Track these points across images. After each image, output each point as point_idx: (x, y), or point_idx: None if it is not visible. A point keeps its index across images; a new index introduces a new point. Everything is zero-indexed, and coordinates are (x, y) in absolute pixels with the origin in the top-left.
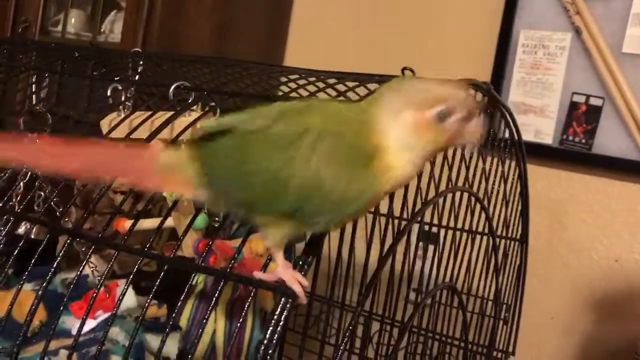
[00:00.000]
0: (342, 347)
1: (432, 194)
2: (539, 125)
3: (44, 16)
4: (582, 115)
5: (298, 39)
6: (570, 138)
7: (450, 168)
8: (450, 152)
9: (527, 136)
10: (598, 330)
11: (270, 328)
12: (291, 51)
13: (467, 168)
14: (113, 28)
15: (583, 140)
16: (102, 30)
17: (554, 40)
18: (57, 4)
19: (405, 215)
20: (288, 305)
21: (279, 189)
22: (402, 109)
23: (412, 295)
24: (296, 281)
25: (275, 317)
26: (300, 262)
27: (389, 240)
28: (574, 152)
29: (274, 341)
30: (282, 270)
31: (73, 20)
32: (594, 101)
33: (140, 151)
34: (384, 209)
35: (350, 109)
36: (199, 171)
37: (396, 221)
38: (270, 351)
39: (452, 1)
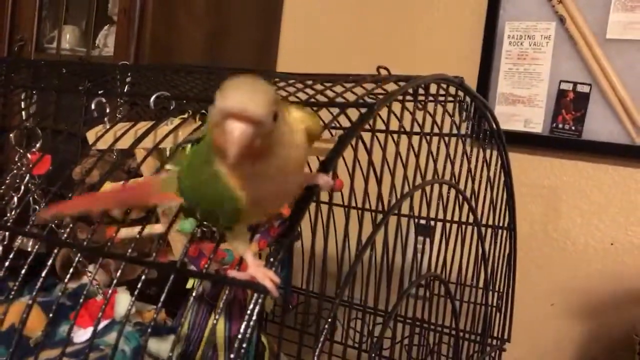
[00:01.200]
0: (323, 336)
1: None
2: (528, 115)
3: (39, 34)
4: (570, 103)
5: (290, 44)
6: (560, 126)
7: (435, 162)
8: (434, 147)
9: (517, 126)
10: (597, 313)
11: (244, 322)
12: (283, 56)
13: (452, 163)
14: (107, 42)
15: (573, 128)
16: (96, 44)
17: (539, 30)
18: (52, 21)
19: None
20: (260, 300)
21: (193, 194)
22: None
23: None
24: (267, 278)
25: (249, 311)
26: (271, 260)
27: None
28: (565, 140)
29: (247, 334)
30: (254, 269)
31: (68, 37)
32: (581, 88)
33: (147, 181)
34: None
35: None
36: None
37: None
38: (244, 344)
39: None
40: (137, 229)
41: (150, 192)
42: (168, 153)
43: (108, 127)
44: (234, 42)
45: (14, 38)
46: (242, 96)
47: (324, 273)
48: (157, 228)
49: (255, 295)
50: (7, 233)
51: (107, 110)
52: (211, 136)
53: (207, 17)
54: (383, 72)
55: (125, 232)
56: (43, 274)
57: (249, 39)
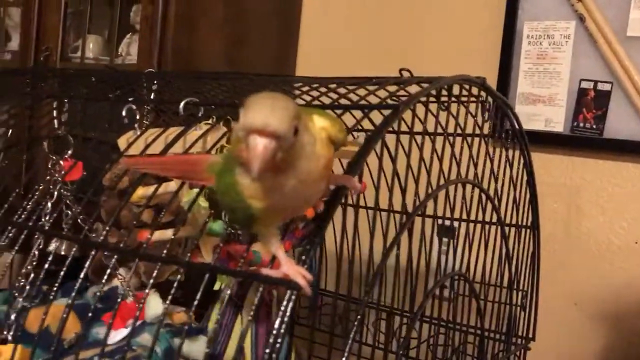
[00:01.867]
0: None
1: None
2: (549, 114)
3: (64, 43)
4: (591, 101)
5: (308, 49)
6: (581, 124)
7: (459, 163)
8: (457, 148)
9: (538, 125)
10: (621, 312)
11: (279, 318)
12: (302, 61)
13: (476, 164)
14: (129, 50)
15: (594, 126)
16: (119, 53)
17: (558, 30)
18: (76, 31)
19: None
20: (293, 296)
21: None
22: None
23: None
24: (300, 275)
25: (283, 307)
26: (303, 258)
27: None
28: (586, 138)
29: (282, 330)
30: (287, 266)
31: (91, 46)
32: (602, 86)
33: (200, 158)
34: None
35: None
36: None
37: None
38: (279, 340)
39: (454, 0)
40: (169, 231)
41: (201, 171)
42: None
43: (139, 133)
44: (253, 49)
45: (39, 48)
46: (264, 113)
47: (351, 274)
48: (187, 230)
49: (289, 292)
50: (42, 237)
51: (137, 117)
52: (235, 149)
53: (227, 24)
54: (405, 74)
55: (158, 235)
56: (81, 276)
57: (268, 45)
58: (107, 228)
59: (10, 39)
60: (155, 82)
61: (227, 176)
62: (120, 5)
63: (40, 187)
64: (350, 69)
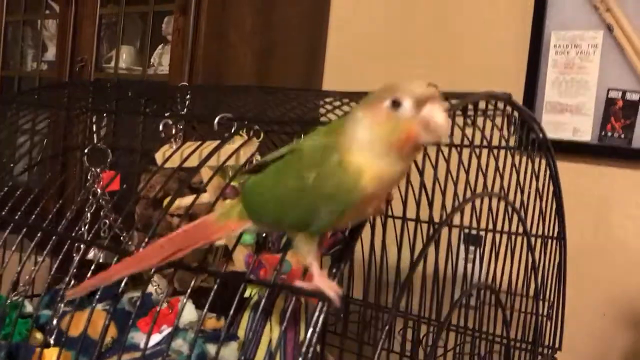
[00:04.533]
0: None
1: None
2: (577, 124)
3: (98, 54)
4: (619, 111)
5: (335, 60)
6: (609, 134)
7: (485, 174)
8: (484, 161)
9: (565, 135)
10: None
11: (311, 328)
12: (329, 71)
13: (502, 176)
14: (161, 61)
15: (622, 136)
16: (151, 63)
17: (585, 39)
18: (109, 42)
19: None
20: (324, 308)
21: (284, 201)
22: (357, 111)
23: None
24: (331, 289)
25: (315, 318)
26: (334, 271)
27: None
28: (614, 148)
29: (314, 339)
30: (319, 279)
31: (124, 56)
32: (630, 96)
33: (204, 219)
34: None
35: (331, 126)
36: (241, 208)
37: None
38: (311, 349)
39: (481, 10)
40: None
41: (210, 229)
42: (231, 172)
43: (175, 147)
44: (281, 59)
45: (75, 58)
46: (426, 85)
47: (379, 283)
48: (220, 240)
49: (320, 303)
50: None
51: (174, 132)
52: (382, 134)
53: (256, 35)
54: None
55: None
56: (121, 287)
57: (296, 55)
58: (146, 239)
59: (46, 49)
60: (188, 95)
61: (328, 162)
62: (152, 17)
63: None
64: (377, 80)
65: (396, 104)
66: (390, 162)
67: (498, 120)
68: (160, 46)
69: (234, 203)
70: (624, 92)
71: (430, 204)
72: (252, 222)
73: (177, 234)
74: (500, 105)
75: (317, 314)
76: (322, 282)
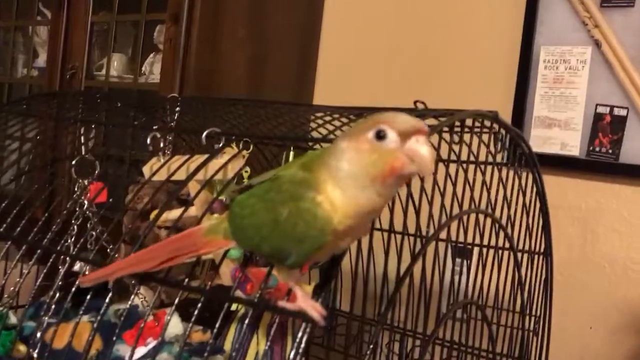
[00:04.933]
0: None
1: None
2: (565, 138)
3: (89, 62)
4: (607, 126)
5: (326, 73)
6: (597, 149)
7: (472, 189)
8: (471, 176)
9: (554, 149)
10: (637, 338)
11: (294, 350)
12: (320, 84)
13: (489, 191)
14: (152, 69)
15: (610, 151)
16: (142, 72)
17: (574, 55)
18: (100, 50)
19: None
20: (308, 329)
21: (261, 231)
22: (340, 142)
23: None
24: (315, 309)
25: (298, 338)
26: (318, 292)
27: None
28: (602, 163)
29: (298, 357)
30: (302, 300)
31: (115, 64)
32: (618, 111)
33: (190, 232)
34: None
35: (307, 160)
36: (227, 227)
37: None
38: None
39: (471, 25)
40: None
41: (196, 242)
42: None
43: (162, 160)
44: (273, 69)
45: (65, 65)
46: (411, 118)
47: (365, 296)
48: (207, 255)
49: (304, 324)
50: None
51: (162, 145)
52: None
53: (248, 44)
54: (420, 105)
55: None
56: (107, 301)
57: (288, 66)
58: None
59: (37, 56)
60: (178, 107)
61: (299, 202)
62: (144, 25)
63: (66, 209)
64: (368, 93)
65: (381, 135)
66: (370, 194)
67: (485, 137)
68: (151, 55)
69: (222, 219)
70: (611, 108)
71: (418, 217)
72: (237, 242)
73: (165, 242)
74: (487, 122)
75: (300, 334)
76: (306, 302)
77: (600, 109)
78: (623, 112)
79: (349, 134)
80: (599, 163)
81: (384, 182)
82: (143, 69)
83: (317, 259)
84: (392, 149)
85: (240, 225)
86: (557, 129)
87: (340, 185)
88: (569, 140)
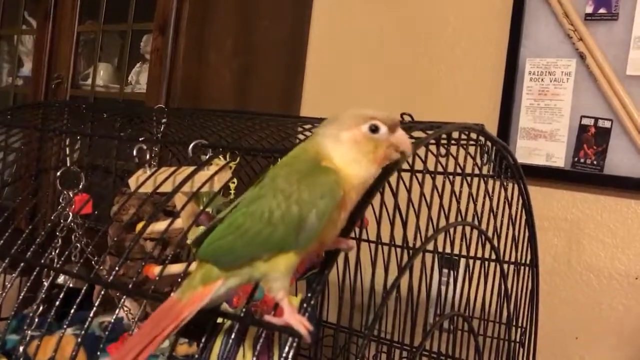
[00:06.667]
0: None
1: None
2: (550, 149)
3: (75, 71)
4: (591, 138)
5: (313, 86)
6: (582, 160)
7: (459, 201)
8: (457, 188)
9: (539, 160)
10: (621, 348)
11: None
12: (307, 96)
13: (475, 203)
14: (139, 79)
15: (595, 162)
16: (129, 81)
17: (559, 67)
18: (87, 59)
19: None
20: (294, 344)
21: (262, 228)
22: (339, 132)
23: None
24: (302, 324)
25: (285, 353)
26: (304, 306)
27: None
28: (586, 174)
29: None
30: (289, 315)
31: (102, 73)
32: (602, 123)
33: (164, 306)
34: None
35: (305, 147)
36: (206, 270)
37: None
38: None
39: (458, 37)
40: (175, 266)
41: (175, 310)
42: (205, 198)
43: (148, 172)
44: (261, 80)
45: (51, 75)
46: (392, 115)
47: (352, 307)
48: (193, 266)
49: (290, 339)
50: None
51: (147, 156)
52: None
53: (235, 56)
54: (406, 117)
55: (161, 270)
56: (91, 315)
57: (276, 77)
58: (117, 267)
59: (22, 64)
60: (164, 118)
61: (313, 169)
62: (131, 35)
63: (51, 221)
64: (354, 102)
65: (374, 129)
66: (366, 171)
67: (471, 149)
68: (138, 64)
69: (192, 274)
70: (596, 119)
71: (405, 229)
72: (222, 276)
73: (145, 325)
74: (473, 135)
75: (287, 349)
76: (292, 317)
77: (585, 121)
78: (607, 124)
79: (340, 125)
80: (584, 174)
81: (380, 164)
82: (129, 78)
83: (322, 242)
84: (385, 139)
85: (227, 247)
86: (543, 140)
87: (344, 161)
88: (554, 152)
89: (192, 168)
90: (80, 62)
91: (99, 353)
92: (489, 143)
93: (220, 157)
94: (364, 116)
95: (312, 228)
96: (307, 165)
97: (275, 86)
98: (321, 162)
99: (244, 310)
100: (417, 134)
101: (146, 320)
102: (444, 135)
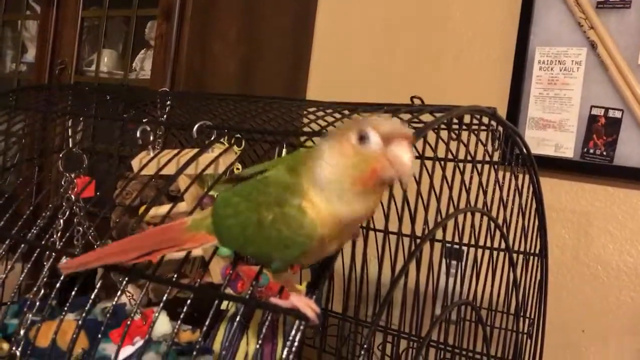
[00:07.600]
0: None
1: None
2: (559, 140)
3: (79, 57)
4: (601, 128)
5: (319, 72)
6: (591, 151)
7: (468, 190)
8: (467, 175)
9: (548, 150)
10: (629, 340)
11: (287, 347)
12: (313, 83)
13: (485, 191)
14: (143, 66)
15: (604, 153)
16: (133, 68)
17: (569, 56)
18: (91, 45)
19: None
20: (301, 326)
21: (241, 234)
22: (323, 144)
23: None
24: (309, 307)
25: (291, 336)
26: (311, 291)
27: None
28: (596, 165)
29: (291, 356)
30: (296, 298)
31: (106, 60)
32: (612, 113)
33: (173, 225)
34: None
35: (293, 164)
36: (211, 223)
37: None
38: None
39: (467, 24)
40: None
41: (179, 237)
42: (209, 181)
43: (152, 154)
44: (265, 69)
45: (55, 61)
46: (399, 123)
47: (359, 297)
48: (197, 251)
49: (297, 322)
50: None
51: (151, 138)
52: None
53: (239, 44)
54: (417, 101)
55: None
56: (92, 297)
57: (280, 65)
58: None
59: (26, 50)
60: (169, 101)
61: (284, 207)
62: (135, 21)
63: (53, 204)
64: (361, 92)
65: (363, 138)
66: (352, 201)
67: (482, 135)
68: (142, 51)
69: (206, 214)
70: (606, 110)
71: (413, 218)
72: (219, 242)
73: (147, 233)
74: (485, 119)
75: (294, 332)
76: (299, 299)
77: (595, 111)
78: (618, 114)
79: (332, 136)
80: (593, 165)
81: (365, 185)
82: (133, 65)
83: (303, 264)
84: (374, 152)
85: (223, 224)
86: (552, 130)
87: (325, 192)
88: (564, 142)
89: (196, 150)
90: (84, 48)
91: (100, 338)
92: (500, 128)
93: (224, 141)
94: (355, 122)
95: (282, 261)
96: (284, 193)
97: (280, 74)
98: (298, 193)
99: (249, 293)
100: (427, 117)
101: (153, 228)
102: (455, 120)
